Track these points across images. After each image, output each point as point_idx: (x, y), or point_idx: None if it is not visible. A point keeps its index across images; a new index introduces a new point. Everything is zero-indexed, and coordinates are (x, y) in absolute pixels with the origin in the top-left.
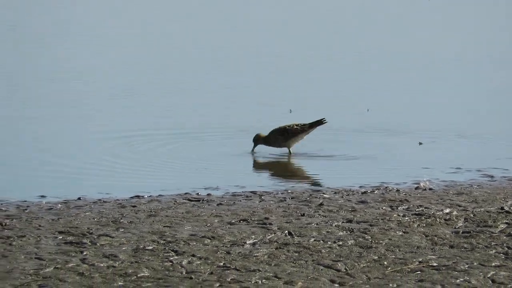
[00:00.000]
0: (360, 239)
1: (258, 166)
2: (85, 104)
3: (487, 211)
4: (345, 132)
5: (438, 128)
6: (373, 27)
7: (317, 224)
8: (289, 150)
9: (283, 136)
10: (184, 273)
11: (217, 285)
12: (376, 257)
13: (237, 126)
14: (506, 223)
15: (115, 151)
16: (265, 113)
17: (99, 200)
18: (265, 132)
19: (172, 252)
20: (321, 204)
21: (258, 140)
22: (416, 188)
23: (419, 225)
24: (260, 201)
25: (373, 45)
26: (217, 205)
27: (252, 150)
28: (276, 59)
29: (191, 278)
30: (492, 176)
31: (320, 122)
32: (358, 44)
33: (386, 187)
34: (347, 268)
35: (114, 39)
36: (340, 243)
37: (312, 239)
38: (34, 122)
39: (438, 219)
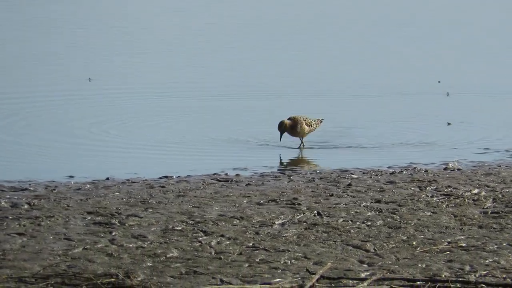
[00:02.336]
0: (388, 219)
1: (286, 146)
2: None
3: None
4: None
5: (466, 109)
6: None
7: (345, 204)
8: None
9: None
10: (213, 253)
11: (246, 265)
12: (405, 238)
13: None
14: None
15: (143, 131)
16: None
17: (128, 180)
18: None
19: (201, 233)
20: (349, 185)
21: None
22: (445, 169)
23: (447, 205)
24: (289, 182)
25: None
26: (246, 185)
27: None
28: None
29: (220, 258)
30: None
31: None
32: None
33: (414, 168)
34: (376, 249)
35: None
36: (369, 223)
37: (341, 220)
38: (62, 102)
39: (466, 200)
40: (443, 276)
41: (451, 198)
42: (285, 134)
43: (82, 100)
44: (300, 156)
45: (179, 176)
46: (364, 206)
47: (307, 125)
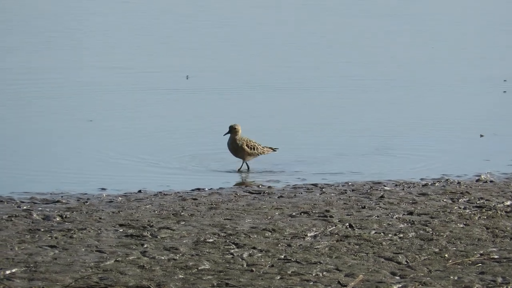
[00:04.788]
0: (421, 231)
1: (319, 158)
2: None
3: None
4: (406, 125)
5: (499, 121)
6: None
7: (378, 216)
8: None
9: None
10: (245, 265)
11: (278, 277)
12: (437, 250)
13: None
14: None
15: (174, 144)
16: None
17: (160, 192)
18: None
19: (233, 245)
20: (382, 197)
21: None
22: (477, 181)
23: (480, 217)
24: (321, 194)
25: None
26: (278, 197)
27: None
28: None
29: (252, 270)
30: None
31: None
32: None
33: (447, 180)
34: (408, 261)
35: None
36: (401, 235)
37: (373, 232)
38: (93, 116)
39: (499, 212)
40: None
41: (484, 210)
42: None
43: (115, 113)
44: (243, 178)
45: (211, 189)
46: (396, 218)
47: (248, 147)
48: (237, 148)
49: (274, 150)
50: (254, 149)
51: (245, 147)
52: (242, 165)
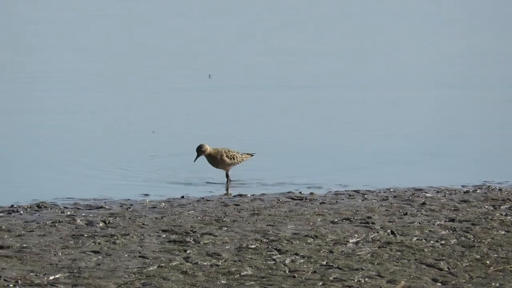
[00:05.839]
0: (462, 238)
1: (359, 164)
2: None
3: None
4: (446, 132)
5: None
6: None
7: (419, 223)
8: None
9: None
10: (287, 271)
11: (320, 284)
12: (478, 256)
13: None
14: None
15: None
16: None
17: (202, 198)
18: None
19: (275, 251)
20: (423, 203)
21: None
22: None
23: None
24: (363, 200)
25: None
26: (320, 203)
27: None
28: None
29: (294, 277)
30: None
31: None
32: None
33: (488, 186)
34: (450, 267)
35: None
36: (443, 242)
37: (415, 238)
38: (137, 124)
39: None
40: None
41: None
42: (209, 165)
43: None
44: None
45: (253, 195)
46: (438, 224)
47: (228, 158)
48: (217, 161)
49: (251, 155)
50: (233, 158)
51: (225, 158)
52: (228, 178)
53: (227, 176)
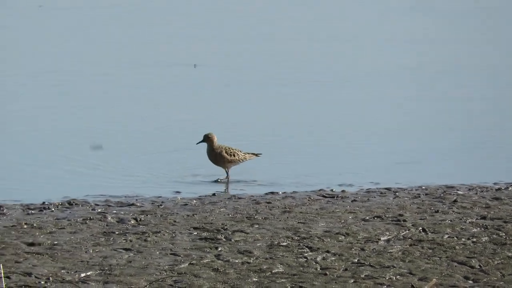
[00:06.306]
0: (494, 236)
1: (391, 162)
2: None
3: None
4: (477, 128)
5: None
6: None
7: (451, 220)
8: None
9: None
10: (318, 269)
11: (352, 281)
12: (510, 254)
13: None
14: None
15: (250, 146)
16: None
17: (234, 196)
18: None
19: (307, 248)
20: (455, 201)
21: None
22: None
23: None
24: (394, 198)
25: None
26: (352, 201)
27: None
28: None
29: (325, 274)
30: None
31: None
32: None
33: None
34: (481, 265)
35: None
36: (474, 239)
37: (446, 236)
38: (165, 117)
39: None
40: None
41: None
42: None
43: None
44: (226, 188)
45: (285, 192)
46: (469, 222)
47: (228, 154)
48: (216, 156)
49: (257, 155)
50: (234, 156)
51: (225, 154)
52: (228, 174)
53: (227, 174)
